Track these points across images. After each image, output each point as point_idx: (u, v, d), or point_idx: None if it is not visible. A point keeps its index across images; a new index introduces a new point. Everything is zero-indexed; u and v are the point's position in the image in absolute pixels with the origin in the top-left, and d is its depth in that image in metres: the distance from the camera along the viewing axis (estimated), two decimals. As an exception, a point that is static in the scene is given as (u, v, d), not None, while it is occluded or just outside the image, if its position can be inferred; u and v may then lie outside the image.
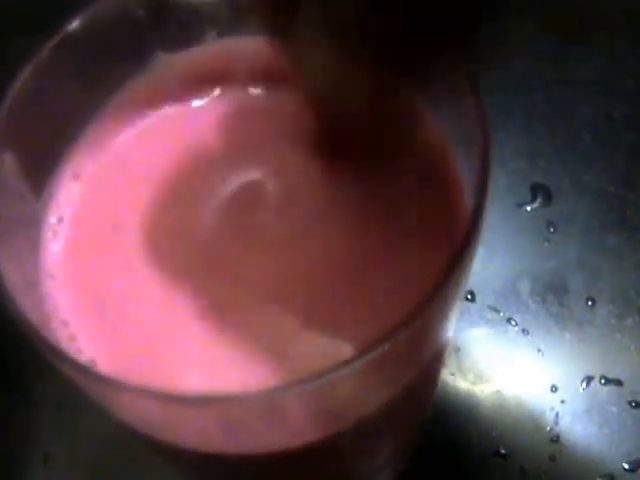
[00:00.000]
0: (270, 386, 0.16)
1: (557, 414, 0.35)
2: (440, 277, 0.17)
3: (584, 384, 0.36)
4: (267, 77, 0.26)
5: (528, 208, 0.40)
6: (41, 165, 0.23)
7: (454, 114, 0.21)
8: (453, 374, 0.36)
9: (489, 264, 0.38)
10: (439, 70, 0.21)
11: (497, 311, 0.37)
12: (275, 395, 0.17)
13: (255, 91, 0.26)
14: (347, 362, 0.16)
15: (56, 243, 0.24)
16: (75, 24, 0.22)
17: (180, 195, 0.24)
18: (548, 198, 0.40)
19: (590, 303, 0.37)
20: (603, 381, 0.36)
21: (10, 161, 0.21)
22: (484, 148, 0.19)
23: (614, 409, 0.35)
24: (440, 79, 0.21)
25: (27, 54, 0.21)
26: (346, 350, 0.21)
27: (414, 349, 0.19)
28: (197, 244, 0.23)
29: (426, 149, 0.24)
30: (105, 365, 0.22)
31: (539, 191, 0.40)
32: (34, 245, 0.23)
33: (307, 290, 0.22)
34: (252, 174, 0.24)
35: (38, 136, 0.22)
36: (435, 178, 0.23)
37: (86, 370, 0.18)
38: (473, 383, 0.36)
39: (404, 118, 0.24)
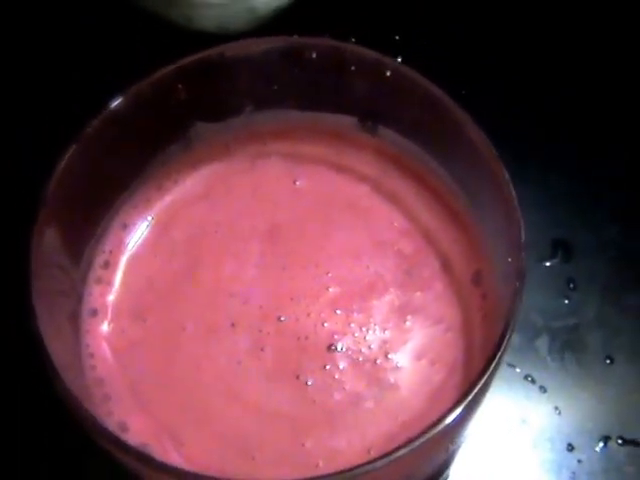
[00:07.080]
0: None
1: (574, 473, 0.35)
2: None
3: (601, 444, 0.36)
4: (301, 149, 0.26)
5: (548, 264, 0.40)
6: (79, 236, 0.23)
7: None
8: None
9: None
10: None
11: (514, 367, 0.37)
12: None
13: (289, 163, 0.26)
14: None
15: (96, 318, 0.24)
16: (118, 101, 0.22)
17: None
18: (569, 254, 0.40)
19: (608, 362, 0.37)
20: (620, 441, 0.36)
21: (53, 234, 0.21)
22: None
23: (632, 469, 0.35)
24: None
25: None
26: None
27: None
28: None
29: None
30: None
31: (560, 246, 0.40)
32: (75, 318, 0.23)
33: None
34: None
35: (78, 210, 0.22)
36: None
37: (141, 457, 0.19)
38: (488, 439, 0.36)
39: None
